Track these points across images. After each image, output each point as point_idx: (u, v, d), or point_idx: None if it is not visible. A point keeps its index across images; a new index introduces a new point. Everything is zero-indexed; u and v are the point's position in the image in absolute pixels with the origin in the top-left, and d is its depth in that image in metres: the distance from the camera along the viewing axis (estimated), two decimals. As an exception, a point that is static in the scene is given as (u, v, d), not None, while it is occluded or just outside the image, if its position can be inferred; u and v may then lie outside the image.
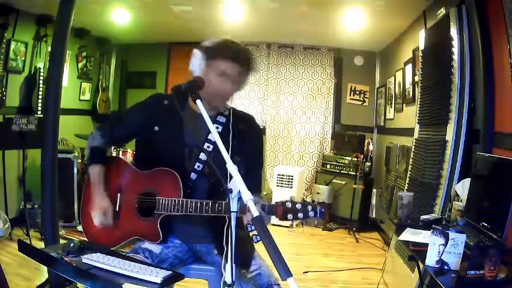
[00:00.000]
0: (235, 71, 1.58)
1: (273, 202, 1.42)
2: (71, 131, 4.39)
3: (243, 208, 1.35)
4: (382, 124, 5.00)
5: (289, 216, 1.36)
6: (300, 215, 1.35)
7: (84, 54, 5.08)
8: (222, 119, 1.68)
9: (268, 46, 5.50)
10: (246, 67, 1.60)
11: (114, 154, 3.74)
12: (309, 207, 1.36)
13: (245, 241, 1.50)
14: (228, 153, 1.17)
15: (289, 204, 1.36)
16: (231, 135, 1.63)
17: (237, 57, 1.58)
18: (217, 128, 1.65)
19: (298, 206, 1.36)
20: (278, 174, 4.98)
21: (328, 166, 5.10)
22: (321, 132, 5.47)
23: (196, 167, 1.63)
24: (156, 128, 1.65)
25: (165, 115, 1.66)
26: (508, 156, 1.90)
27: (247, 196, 1.07)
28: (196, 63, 1.60)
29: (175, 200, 1.52)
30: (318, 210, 1.36)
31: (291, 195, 1.42)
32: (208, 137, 1.64)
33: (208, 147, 1.63)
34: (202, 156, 1.63)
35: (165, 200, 1.54)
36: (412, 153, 3.32)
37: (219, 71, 1.57)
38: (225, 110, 1.71)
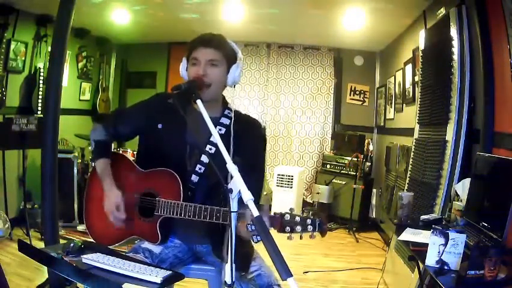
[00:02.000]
0: (209, 55, 1.57)
1: (272, 213, 1.39)
2: (71, 131, 4.38)
3: (239, 216, 1.34)
4: (382, 124, 5.00)
5: (287, 229, 1.32)
6: (298, 228, 1.32)
7: (84, 54, 5.08)
8: (226, 121, 1.67)
9: (268, 46, 5.50)
10: (220, 50, 1.59)
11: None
12: (308, 221, 1.32)
13: (244, 244, 1.49)
14: (229, 154, 1.17)
15: (287, 217, 1.33)
16: (232, 137, 1.62)
17: (206, 41, 1.58)
18: (220, 130, 1.64)
19: (297, 219, 1.32)
20: (278, 174, 4.98)
21: (328, 166, 5.10)
22: (321, 132, 5.47)
23: (197, 169, 1.62)
24: (159, 126, 1.65)
25: (168, 114, 1.65)
26: (508, 156, 1.90)
27: (248, 196, 1.06)
28: (182, 66, 1.64)
29: (174, 203, 1.52)
30: (317, 225, 1.33)
31: (291, 207, 1.39)
32: (210, 139, 1.62)
33: (210, 149, 1.62)
34: (204, 158, 1.62)
35: (165, 202, 1.53)
36: (412, 153, 3.32)
37: (192, 60, 1.59)
38: (230, 112, 1.70)
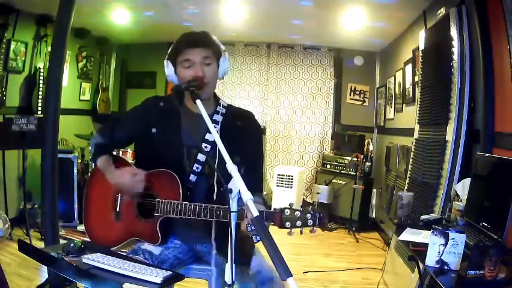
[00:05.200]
0: (201, 55, 1.56)
1: (272, 208, 1.39)
2: (71, 131, 4.38)
3: (241, 214, 1.34)
4: (382, 124, 5.00)
5: (287, 224, 1.33)
6: (299, 223, 1.32)
7: (84, 54, 5.08)
8: (219, 118, 1.67)
9: (268, 46, 5.50)
10: (210, 47, 1.58)
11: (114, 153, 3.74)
12: (308, 216, 1.32)
13: (244, 241, 1.49)
14: (227, 152, 1.16)
15: (287, 212, 1.33)
16: (228, 133, 1.62)
17: (196, 41, 1.58)
18: (214, 127, 1.64)
19: (297, 213, 1.32)
20: (278, 174, 4.98)
21: (328, 166, 5.10)
22: (321, 132, 5.47)
23: (194, 168, 1.62)
24: (154, 130, 1.65)
25: (162, 117, 1.65)
26: (508, 156, 1.89)
27: (247, 196, 1.06)
28: (169, 70, 1.61)
29: (174, 203, 1.52)
30: (317, 219, 1.33)
31: (290, 202, 1.39)
32: (206, 137, 1.63)
33: (206, 147, 1.62)
34: (200, 157, 1.62)
35: (164, 202, 1.53)
36: (412, 153, 3.32)
37: (183, 62, 1.57)
38: (222, 108, 1.71)
